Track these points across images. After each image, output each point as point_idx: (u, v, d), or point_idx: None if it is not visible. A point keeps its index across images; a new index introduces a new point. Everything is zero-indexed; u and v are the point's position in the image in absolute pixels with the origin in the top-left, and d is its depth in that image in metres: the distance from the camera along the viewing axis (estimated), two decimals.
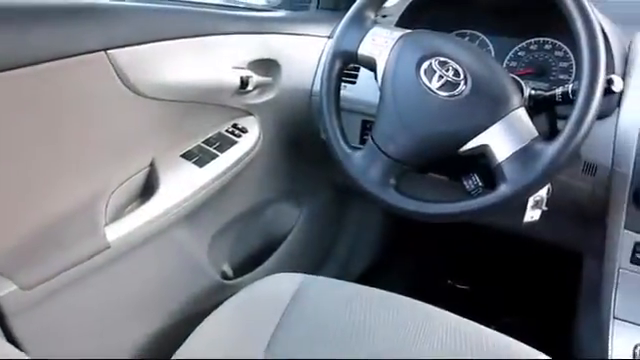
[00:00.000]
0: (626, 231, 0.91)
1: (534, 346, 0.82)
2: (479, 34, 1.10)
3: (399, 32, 0.87)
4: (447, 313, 0.87)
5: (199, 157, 0.97)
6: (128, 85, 0.84)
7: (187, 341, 0.84)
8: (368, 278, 1.57)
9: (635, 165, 0.88)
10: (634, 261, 0.92)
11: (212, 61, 0.98)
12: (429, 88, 0.81)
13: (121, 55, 0.82)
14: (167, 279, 1.00)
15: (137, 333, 0.96)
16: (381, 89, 0.86)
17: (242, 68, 1.02)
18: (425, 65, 0.82)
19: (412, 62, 0.83)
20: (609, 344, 0.92)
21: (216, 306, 0.89)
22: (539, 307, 1.45)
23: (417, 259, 1.68)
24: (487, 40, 1.09)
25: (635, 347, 0.90)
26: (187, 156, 0.97)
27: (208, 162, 0.98)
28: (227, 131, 1.04)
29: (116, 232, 0.85)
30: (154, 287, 0.98)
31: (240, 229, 1.20)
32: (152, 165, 0.94)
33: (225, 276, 1.18)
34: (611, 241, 0.94)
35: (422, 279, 1.63)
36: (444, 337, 0.82)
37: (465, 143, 0.79)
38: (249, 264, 1.24)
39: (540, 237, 1.14)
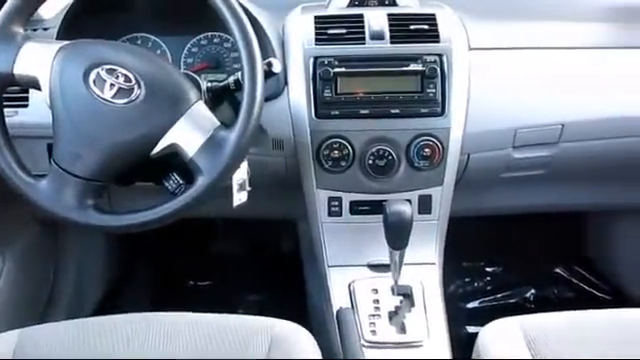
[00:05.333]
0: (319, 190, 1.05)
1: (279, 314, 0.89)
2: (150, 36, 1.11)
3: (56, 45, 0.82)
4: (189, 314, 0.88)
5: None
6: None
7: None
8: (108, 305, 1.48)
9: (310, 133, 1.01)
10: (330, 214, 1.06)
11: None
12: (103, 98, 0.78)
13: None
14: None
15: None
16: (52, 108, 0.80)
17: None
18: (93, 75, 0.79)
19: (78, 74, 0.79)
20: (330, 290, 1.05)
21: None
22: (279, 278, 1.57)
23: (155, 270, 1.65)
24: (160, 41, 1.10)
25: (349, 285, 1.04)
26: None
27: None
28: None
29: None
30: None
31: None
32: None
33: None
34: (310, 201, 1.06)
35: (164, 287, 1.60)
36: (189, 337, 0.83)
37: (154, 146, 0.79)
38: None
39: (256, 215, 1.22)
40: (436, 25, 1.03)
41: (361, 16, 1.04)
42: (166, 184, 0.85)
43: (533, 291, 1.58)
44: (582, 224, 1.64)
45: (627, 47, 1.10)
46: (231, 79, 0.89)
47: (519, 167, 1.11)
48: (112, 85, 0.79)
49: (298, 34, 1.03)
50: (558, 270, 1.64)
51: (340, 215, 1.06)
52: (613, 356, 0.78)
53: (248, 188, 0.93)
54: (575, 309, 0.88)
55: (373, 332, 0.95)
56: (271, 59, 0.88)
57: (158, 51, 1.10)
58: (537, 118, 1.05)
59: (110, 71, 0.79)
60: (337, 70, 0.99)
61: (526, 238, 1.61)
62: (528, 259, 1.62)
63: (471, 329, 1.43)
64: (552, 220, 1.45)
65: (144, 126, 0.79)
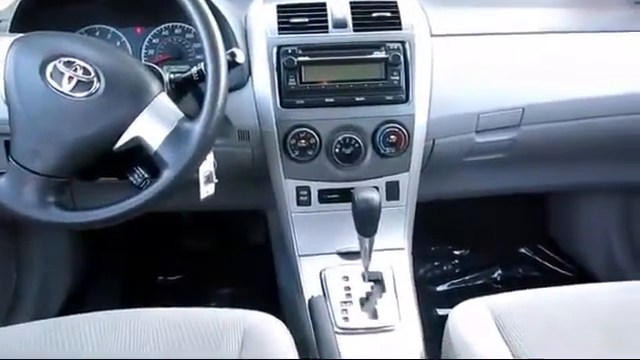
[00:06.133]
0: (287, 180, 1.04)
1: (251, 305, 0.88)
2: (109, 28, 1.08)
3: (10, 38, 0.79)
4: (160, 309, 0.87)
5: None
6: None
7: None
8: (75, 304, 1.45)
9: (276, 122, 1.00)
10: (299, 203, 1.06)
11: None
12: (61, 92, 0.76)
13: None
14: None
15: None
16: (8, 103, 0.78)
17: None
18: (50, 68, 0.77)
19: (34, 68, 0.76)
20: (301, 279, 1.05)
21: None
22: (250, 270, 1.56)
23: (123, 266, 1.62)
24: (119, 33, 1.08)
25: (320, 273, 1.04)
26: None
27: None
28: None
29: None
30: None
31: None
32: None
33: None
34: (278, 191, 1.06)
35: (133, 284, 1.58)
36: (161, 333, 0.82)
37: (116, 140, 0.77)
38: None
39: (224, 207, 1.21)
40: (398, 12, 1.03)
41: (323, 4, 1.04)
42: (131, 178, 0.83)
43: (500, 271, 1.62)
44: (545, 205, 1.68)
45: (584, 31, 1.13)
46: (194, 70, 0.87)
47: (483, 151, 1.13)
48: (70, 78, 0.77)
49: (261, 23, 1.03)
50: (523, 250, 1.68)
51: (309, 204, 1.06)
52: (577, 330, 0.81)
53: (215, 180, 0.92)
54: (540, 287, 0.90)
55: (345, 319, 0.96)
56: (234, 49, 0.87)
57: (117, 43, 1.07)
58: (498, 102, 1.07)
59: (68, 64, 0.77)
60: (301, 59, 0.99)
61: (491, 220, 1.64)
62: (494, 241, 1.66)
63: (441, 311, 1.45)
64: (516, 201, 1.49)
65: (105, 120, 0.77)
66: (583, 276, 1.57)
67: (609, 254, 1.51)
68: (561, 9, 1.19)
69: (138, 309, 0.86)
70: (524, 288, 0.90)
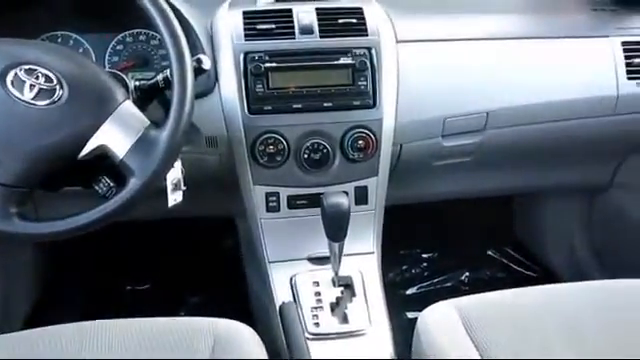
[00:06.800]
0: (255, 186, 1.04)
1: (222, 313, 0.88)
2: (71, 34, 1.06)
3: None
4: (128, 320, 0.85)
5: None
6: None
7: None
8: (39, 318, 1.41)
9: (244, 129, 1.00)
10: (268, 209, 1.06)
11: None
12: (23, 100, 0.74)
13: None
14: None
15: None
16: None
17: None
18: (10, 76, 0.75)
19: None
20: (271, 285, 1.05)
21: None
22: (220, 278, 1.55)
23: (90, 277, 1.59)
24: (82, 39, 1.06)
25: (290, 279, 1.04)
26: None
27: None
28: None
29: None
30: None
31: None
32: None
33: None
34: (247, 197, 1.06)
35: (100, 295, 1.55)
36: (129, 344, 0.81)
37: (81, 149, 0.76)
38: None
39: (193, 214, 1.20)
40: (364, 19, 1.04)
41: (290, 11, 1.04)
42: (96, 187, 0.82)
43: (467, 274, 1.64)
44: (511, 207, 1.72)
45: (545, 37, 1.17)
46: (160, 77, 0.86)
47: (450, 155, 1.15)
48: (32, 86, 0.75)
49: (227, 30, 1.02)
50: (490, 252, 1.71)
51: (278, 210, 1.06)
52: (543, 330, 0.83)
53: (183, 187, 0.91)
54: (507, 288, 0.92)
55: (316, 324, 0.96)
56: (200, 55, 0.86)
57: (80, 49, 1.05)
58: (463, 107, 1.09)
59: (29, 71, 0.76)
60: (268, 65, 0.99)
61: (459, 223, 1.67)
62: (461, 243, 1.68)
63: (411, 314, 1.46)
64: (483, 204, 1.51)
65: (69, 128, 0.75)
66: (548, 277, 1.61)
67: (572, 254, 1.56)
68: (523, 15, 1.22)
69: (105, 320, 0.85)
70: (491, 289, 0.92)
